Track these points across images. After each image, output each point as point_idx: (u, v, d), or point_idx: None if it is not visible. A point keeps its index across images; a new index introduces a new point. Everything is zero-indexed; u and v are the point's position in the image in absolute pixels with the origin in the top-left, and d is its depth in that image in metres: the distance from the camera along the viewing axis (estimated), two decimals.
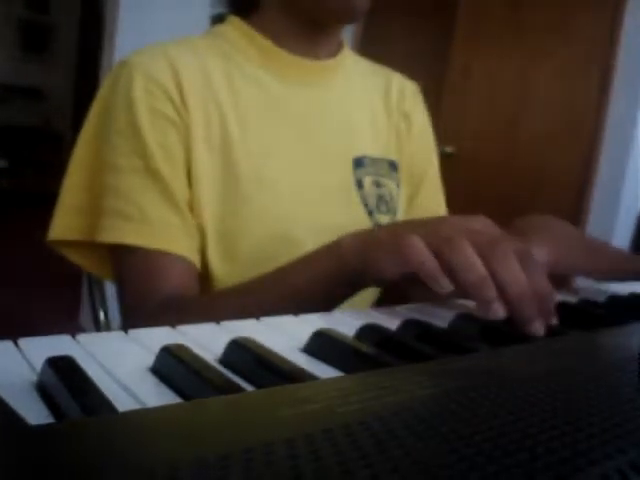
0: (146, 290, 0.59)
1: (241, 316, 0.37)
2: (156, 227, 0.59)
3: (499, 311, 0.37)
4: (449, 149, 2.54)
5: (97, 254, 0.64)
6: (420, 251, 0.40)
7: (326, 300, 0.48)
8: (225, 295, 0.57)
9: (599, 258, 0.56)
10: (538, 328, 0.37)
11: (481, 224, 0.43)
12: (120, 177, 0.59)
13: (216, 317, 0.37)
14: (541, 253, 0.51)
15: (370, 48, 2.80)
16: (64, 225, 0.63)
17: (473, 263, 0.38)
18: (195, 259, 0.61)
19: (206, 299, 0.59)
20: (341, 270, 0.47)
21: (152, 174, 0.59)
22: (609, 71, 2.13)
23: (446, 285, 0.39)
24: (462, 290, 0.39)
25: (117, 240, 0.59)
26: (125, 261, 0.60)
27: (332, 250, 0.48)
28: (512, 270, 0.37)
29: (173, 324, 0.34)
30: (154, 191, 0.59)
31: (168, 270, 0.59)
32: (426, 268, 0.39)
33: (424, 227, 0.43)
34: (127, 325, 0.63)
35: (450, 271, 0.39)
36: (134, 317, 0.61)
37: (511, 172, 2.40)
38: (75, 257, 0.65)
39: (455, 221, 0.43)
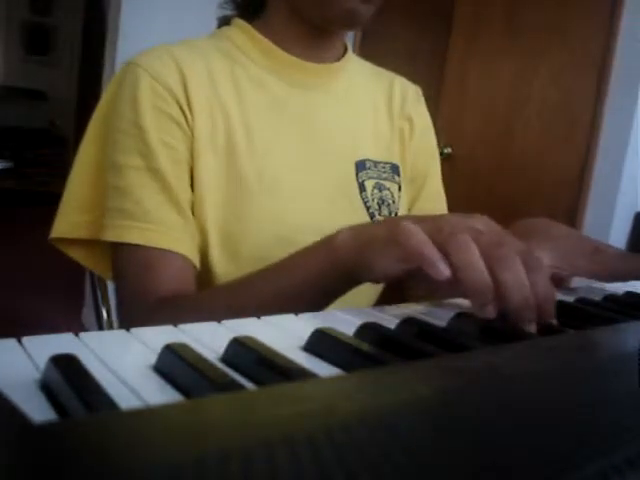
0: (144, 288, 0.59)
1: (236, 313, 0.37)
2: (157, 226, 0.59)
3: (492, 313, 0.37)
4: (447, 150, 2.54)
5: (99, 252, 0.65)
6: (419, 238, 0.39)
7: (320, 296, 0.48)
8: (219, 292, 0.57)
9: (600, 259, 0.55)
10: (532, 329, 0.37)
11: (483, 223, 0.42)
12: (122, 176, 0.60)
13: (210, 314, 0.37)
14: (542, 256, 0.51)
15: (369, 50, 2.80)
16: (67, 223, 0.63)
17: (476, 262, 0.37)
18: (194, 259, 0.61)
19: (201, 296, 0.58)
20: (334, 266, 0.46)
21: (154, 173, 0.59)
22: (606, 73, 2.13)
23: (443, 269, 0.38)
24: (459, 288, 0.38)
25: (119, 239, 0.59)
26: (125, 258, 0.60)
27: (325, 246, 0.47)
28: (515, 274, 0.37)
29: (167, 322, 0.33)
30: (155, 190, 0.59)
31: (167, 269, 0.59)
32: (426, 253, 0.39)
33: (425, 222, 0.42)
34: (123, 322, 0.64)
35: (451, 267, 0.38)
36: (130, 314, 0.61)
37: (509, 172, 2.40)
38: (77, 255, 0.65)
39: (457, 219, 0.42)
